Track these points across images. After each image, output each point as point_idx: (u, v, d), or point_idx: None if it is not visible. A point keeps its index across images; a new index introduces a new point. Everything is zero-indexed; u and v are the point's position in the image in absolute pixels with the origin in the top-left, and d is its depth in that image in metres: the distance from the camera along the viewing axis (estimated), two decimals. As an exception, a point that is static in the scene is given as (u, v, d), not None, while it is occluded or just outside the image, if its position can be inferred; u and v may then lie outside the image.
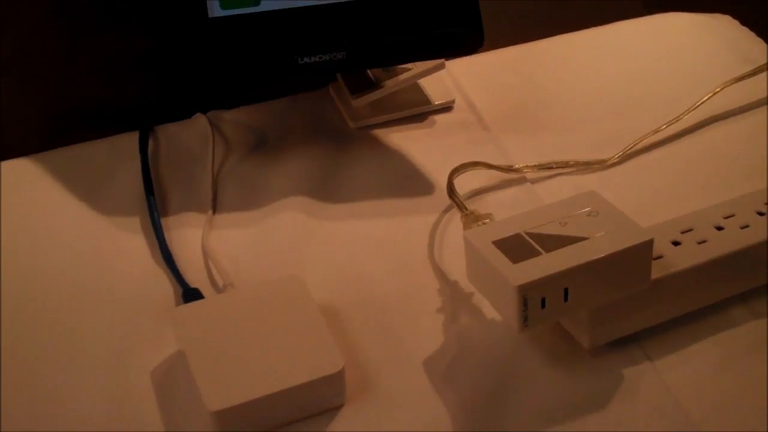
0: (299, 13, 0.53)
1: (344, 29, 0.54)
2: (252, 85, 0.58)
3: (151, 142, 0.60)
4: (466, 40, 0.55)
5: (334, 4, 0.53)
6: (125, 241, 0.53)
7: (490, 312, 0.48)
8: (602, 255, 0.42)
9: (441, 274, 0.51)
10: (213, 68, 0.54)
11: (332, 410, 0.43)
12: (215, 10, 0.53)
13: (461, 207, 0.51)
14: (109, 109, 0.63)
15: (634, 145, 0.59)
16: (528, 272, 0.42)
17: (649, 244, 0.43)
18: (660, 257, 0.46)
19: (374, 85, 0.60)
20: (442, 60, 0.60)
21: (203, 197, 0.56)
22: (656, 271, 0.45)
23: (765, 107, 0.63)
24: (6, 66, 0.62)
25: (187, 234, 0.54)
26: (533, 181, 0.57)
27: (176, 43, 0.54)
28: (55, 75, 0.63)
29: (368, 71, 0.61)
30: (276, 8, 0.53)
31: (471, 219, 0.49)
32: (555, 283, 0.42)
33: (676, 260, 0.46)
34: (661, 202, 0.54)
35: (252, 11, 0.53)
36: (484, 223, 0.48)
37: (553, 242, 0.43)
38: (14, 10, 0.60)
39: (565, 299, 0.42)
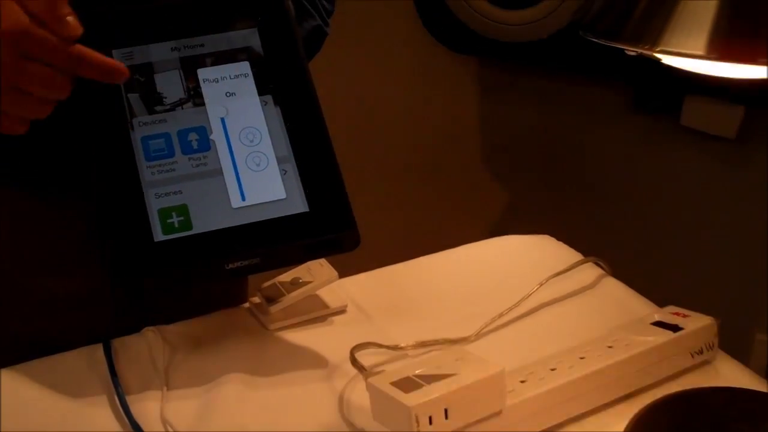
0: (224, 233, 0.65)
1: (257, 241, 0.65)
2: (190, 288, 0.68)
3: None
4: (347, 242, 0.67)
5: (248, 224, 0.65)
6: (98, 417, 0.64)
7: (392, 448, 0.62)
8: (468, 383, 0.58)
9: (350, 424, 0.64)
10: (159, 280, 0.64)
11: None
12: (158, 235, 0.64)
13: (362, 369, 0.66)
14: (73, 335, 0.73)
15: (486, 326, 0.75)
16: (417, 397, 0.57)
17: (501, 374, 0.60)
18: (512, 390, 0.63)
19: (284, 296, 0.75)
20: (336, 274, 0.76)
21: (158, 383, 0.67)
22: (510, 399, 0.62)
23: (577, 296, 0.81)
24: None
25: (148, 407, 0.65)
26: (414, 356, 0.71)
27: (128, 265, 0.63)
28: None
29: (280, 286, 0.77)
30: (206, 230, 0.64)
31: (371, 375, 0.64)
32: (437, 404, 0.57)
33: (524, 392, 0.63)
34: (511, 365, 0.67)
35: (187, 234, 0.64)
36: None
37: (433, 379, 0.59)
38: None
39: (446, 417, 0.58)
